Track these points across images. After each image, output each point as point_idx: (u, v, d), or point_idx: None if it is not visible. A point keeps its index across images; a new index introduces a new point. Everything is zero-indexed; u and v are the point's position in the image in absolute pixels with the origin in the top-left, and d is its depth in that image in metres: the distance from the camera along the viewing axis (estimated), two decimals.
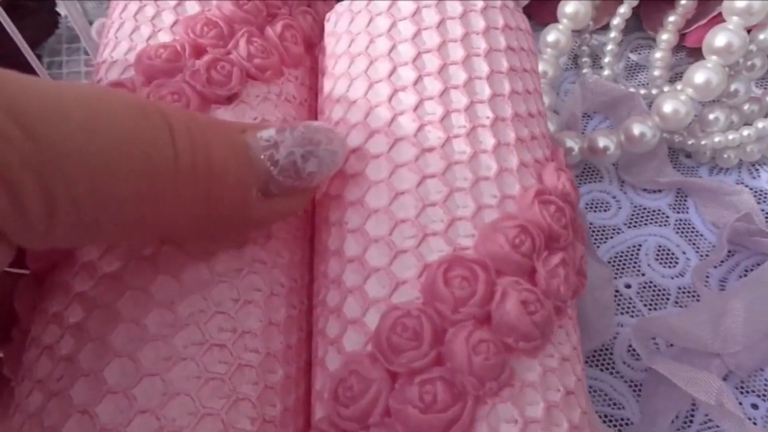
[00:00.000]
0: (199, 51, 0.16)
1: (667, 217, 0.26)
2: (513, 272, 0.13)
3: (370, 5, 0.17)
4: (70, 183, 0.10)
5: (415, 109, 0.15)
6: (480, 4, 0.16)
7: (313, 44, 0.19)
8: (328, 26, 0.18)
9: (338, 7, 0.18)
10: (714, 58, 0.23)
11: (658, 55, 0.29)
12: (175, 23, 0.16)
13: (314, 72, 0.19)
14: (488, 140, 0.14)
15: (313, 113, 0.18)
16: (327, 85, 0.17)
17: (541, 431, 0.12)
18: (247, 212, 0.13)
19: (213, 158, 0.12)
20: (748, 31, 0.23)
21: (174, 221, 0.12)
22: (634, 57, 0.31)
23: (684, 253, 0.25)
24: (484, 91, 0.15)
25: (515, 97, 0.15)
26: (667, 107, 0.24)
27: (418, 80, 0.15)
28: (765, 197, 0.26)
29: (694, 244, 0.26)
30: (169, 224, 0.12)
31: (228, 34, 0.16)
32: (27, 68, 0.28)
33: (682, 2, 0.28)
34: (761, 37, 0.23)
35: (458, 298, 0.12)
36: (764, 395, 0.22)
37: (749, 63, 0.24)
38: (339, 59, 0.17)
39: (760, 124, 0.25)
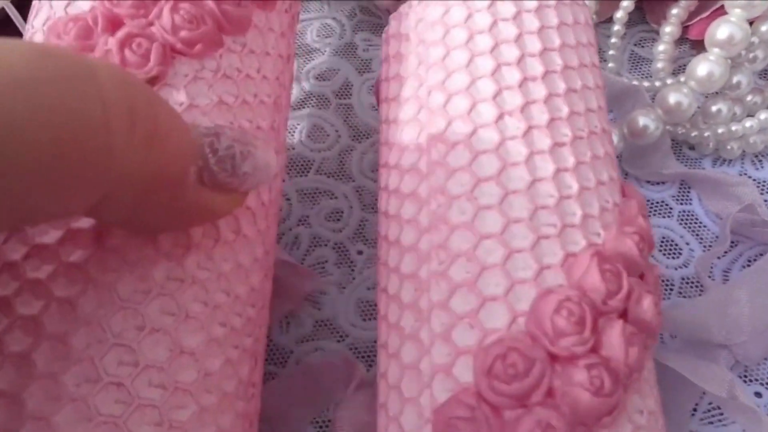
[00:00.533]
0: (114, 24, 0.14)
1: (671, 208, 0.27)
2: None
3: (446, 17, 0.17)
4: None
5: (497, 121, 0.15)
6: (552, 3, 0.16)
7: None
8: (391, 28, 0.18)
9: (403, 8, 0.18)
10: (716, 50, 0.23)
11: (661, 47, 0.29)
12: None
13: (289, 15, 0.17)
14: (567, 159, 0.15)
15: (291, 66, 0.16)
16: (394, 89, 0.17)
17: (656, 420, 0.14)
18: (182, 192, 0.13)
19: (159, 117, 0.11)
20: (750, 23, 0.24)
21: (110, 180, 0.11)
22: (637, 50, 0.31)
23: (687, 244, 0.26)
24: (563, 109, 0.15)
25: (590, 114, 0.16)
26: (670, 99, 0.25)
27: (498, 93, 0.15)
28: (766, 186, 0.27)
29: (697, 235, 0.26)
30: (103, 184, 0.11)
31: (151, 1, 0.14)
32: None
33: None
34: (763, 29, 0.24)
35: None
36: None
37: (751, 55, 0.24)
38: (408, 65, 0.17)
39: (762, 116, 0.25)
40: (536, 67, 0.16)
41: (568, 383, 0.12)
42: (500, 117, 0.15)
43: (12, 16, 0.25)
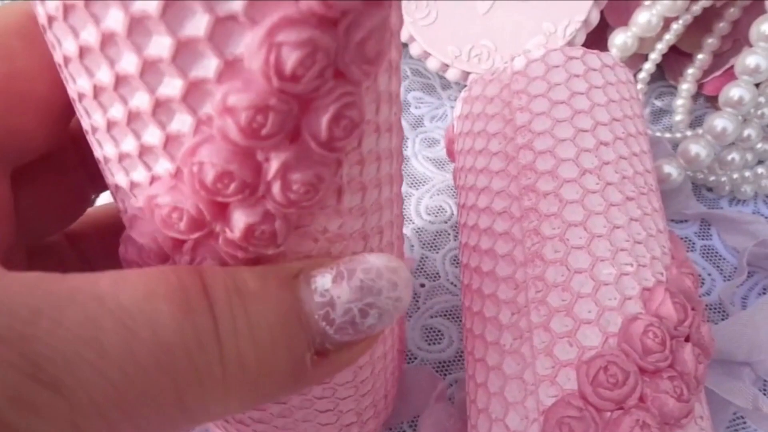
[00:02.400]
0: (221, 207, 0.12)
1: (694, 243, 0.31)
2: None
3: (529, 87, 0.21)
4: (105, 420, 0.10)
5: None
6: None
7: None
8: (472, 92, 0.22)
9: (486, 75, 0.22)
10: (729, 109, 0.28)
11: (679, 102, 0.34)
12: (167, 141, 0.11)
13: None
14: (635, 211, 0.19)
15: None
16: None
17: (709, 425, 0.18)
18: (299, 379, 0.12)
19: (257, 340, 0.11)
20: (757, 85, 0.28)
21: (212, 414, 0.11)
22: (658, 103, 0.36)
23: (709, 275, 0.30)
24: (628, 170, 0.20)
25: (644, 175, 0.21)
26: (691, 151, 0.29)
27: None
28: None
29: (718, 266, 0.30)
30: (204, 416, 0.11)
31: (253, 178, 0.11)
32: None
33: (699, 57, 0.33)
34: None
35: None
36: None
37: (759, 112, 0.29)
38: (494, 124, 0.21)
39: None
40: (607, 134, 0.20)
41: (657, 390, 0.16)
42: (582, 174, 0.19)
43: None
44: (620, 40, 0.32)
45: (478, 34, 0.33)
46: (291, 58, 0.10)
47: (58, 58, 0.12)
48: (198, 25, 0.10)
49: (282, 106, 0.10)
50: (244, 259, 0.12)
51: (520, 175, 0.20)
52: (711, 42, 0.33)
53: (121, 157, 0.12)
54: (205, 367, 0.11)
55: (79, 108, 0.12)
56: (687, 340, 0.18)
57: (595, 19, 0.33)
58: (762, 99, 0.29)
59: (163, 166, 0.11)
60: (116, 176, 0.12)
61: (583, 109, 0.20)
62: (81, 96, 0.12)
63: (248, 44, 0.10)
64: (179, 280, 0.11)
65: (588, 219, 0.18)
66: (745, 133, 0.30)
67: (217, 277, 0.11)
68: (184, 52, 0.10)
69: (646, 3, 0.32)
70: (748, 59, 0.28)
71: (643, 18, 0.31)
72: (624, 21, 0.33)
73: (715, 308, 0.29)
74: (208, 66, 0.10)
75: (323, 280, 0.12)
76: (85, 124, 0.12)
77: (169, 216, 0.12)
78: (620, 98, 0.21)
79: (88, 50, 0.11)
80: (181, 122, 0.11)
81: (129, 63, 0.10)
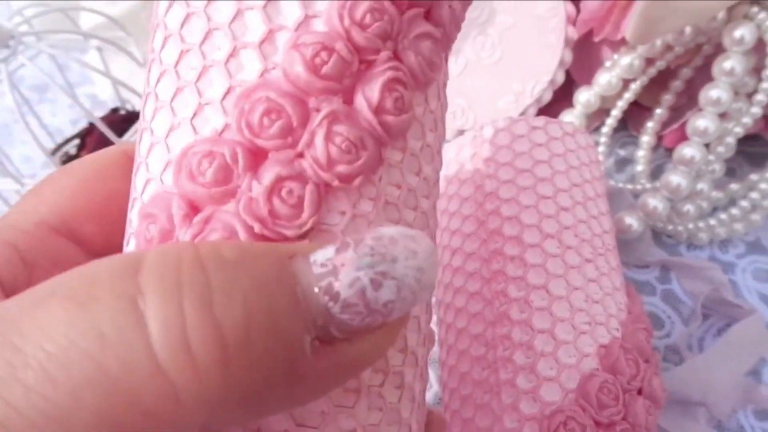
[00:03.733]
0: (257, 158, 0.12)
1: (655, 287, 0.34)
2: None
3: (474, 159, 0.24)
4: None
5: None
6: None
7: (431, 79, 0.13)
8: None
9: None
10: (682, 167, 0.31)
11: (640, 153, 0.37)
12: (227, 93, 0.12)
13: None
14: (593, 272, 0.22)
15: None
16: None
17: None
18: (294, 369, 0.10)
19: (223, 314, 0.09)
20: (707, 145, 0.31)
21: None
22: (622, 152, 0.39)
23: (669, 317, 0.33)
24: (587, 233, 0.23)
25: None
26: (650, 204, 0.32)
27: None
28: (732, 269, 0.34)
29: (677, 310, 0.33)
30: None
31: (299, 123, 0.11)
32: None
33: (658, 111, 0.36)
34: (719, 149, 0.31)
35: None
36: (738, 430, 0.29)
37: (710, 168, 0.32)
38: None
39: (722, 215, 0.33)
40: (567, 200, 0.23)
41: None
42: (544, 239, 0.22)
43: (103, 130, 0.31)
44: (584, 97, 0.35)
45: (452, 94, 0.35)
46: (363, 6, 0.12)
47: (155, 43, 0.13)
48: None
49: (345, 53, 0.12)
50: (259, 235, 0.11)
51: (489, 240, 0.22)
52: (667, 98, 0.36)
53: (172, 128, 0.12)
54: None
55: (146, 106, 0.13)
56: (639, 392, 0.21)
57: (561, 78, 0.35)
58: (712, 157, 0.31)
59: (212, 125, 0.12)
60: (154, 151, 0.13)
61: (546, 176, 0.23)
62: (161, 74, 0.13)
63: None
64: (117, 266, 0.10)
65: (549, 282, 0.21)
66: (698, 187, 0.32)
67: (168, 252, 0.10)
68: (273, 3, 0.12)
69: (607, 65, 0.35)
70: (698, 122, 0.31)
71: (604, 79, 0.34)
72: (588, 80, 0.36)
73: (674, 350, 0.31)
74: (290, 15, 0.12)
75: (324, 252, 0.10)
76: (147, 114, 0.13)
77: (199, 163, 0.12)
78: (580, 164, 0.24)
79: (190, 16, 0.12)
80: (249, 71, 0.12)
81: (223, 14, 0.12)
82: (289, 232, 0.11)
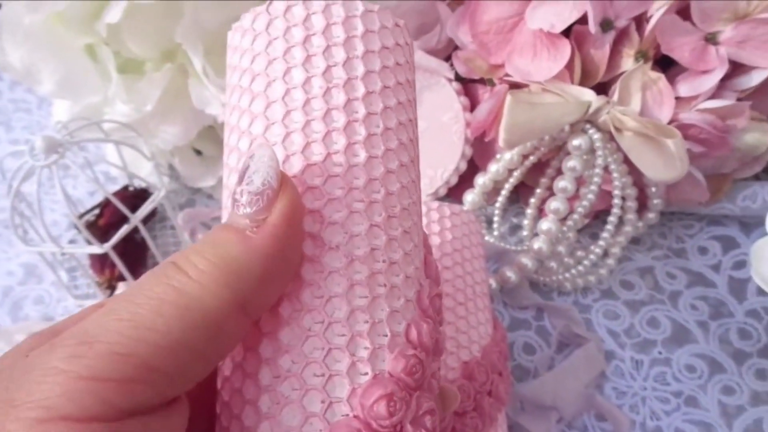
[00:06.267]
0: None
1: (531, 324, 0.46)
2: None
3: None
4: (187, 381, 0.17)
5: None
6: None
7: None
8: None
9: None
10: (542, 236, 0.44)
11: (525, 222, 0.49)
12: (351, 395, 0.18)
13: None
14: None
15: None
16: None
17: None
18: (267, 245, 0.18)
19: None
20: (563, 219, 0.44)
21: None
22: (515, 220, 0.52)
23: (540, 346, 0.45)
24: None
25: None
26: (522, 261, 0.44)
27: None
28: (589, 310, 0.46)
29: (546, 340, 0.45)
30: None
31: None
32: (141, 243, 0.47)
33: (537, 191, 0.49)
34: (569, 223, 0.44)
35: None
36: (582, 429, 0.41)
37: (566, 236, 0.45)
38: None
39: (580, 267, 0.45)
40: (450, 288, 0.35)
41: (463, 425, 0.30)
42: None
43: (119, 207, 0.43)
44: (481, 181, 0.48)
45: None
46: (382, 406, 0.18)
47: None
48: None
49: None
50: None
51: None
52: (544, 181, 0.49)
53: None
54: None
55: None
56: (489, 394, 0.32)
57: (463, 167, 0.48)
58: (565, 228, 0.44)
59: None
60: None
61: (447, 266, 0.35)
62: None
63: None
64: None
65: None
66: (558, 249, 0.45)
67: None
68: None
69: (498, 157, 0.48)
70: (552, 204, 0.43)
71: (494, 168, 0.47)
72: (486, 167, 0.48)
73: (538, 368, 0.44)
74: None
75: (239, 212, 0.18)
76: None
77: None
78: (470, 244, 0.36)
79: None
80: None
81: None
82: None
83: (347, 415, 0.18)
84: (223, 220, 0.20)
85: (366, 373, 0.18)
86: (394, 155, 0.21)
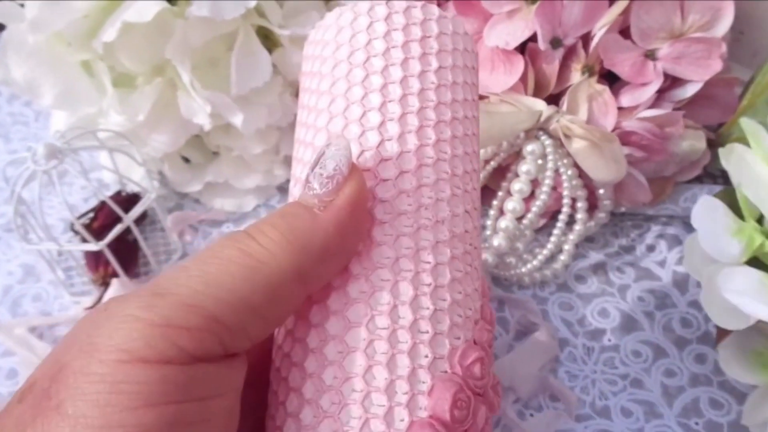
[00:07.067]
0: None
1: (493, 315, 0.50)
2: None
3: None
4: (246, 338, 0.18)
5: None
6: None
7: None
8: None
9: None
10: (501, 233, 0.48)
11: (488, 222, 0.54)
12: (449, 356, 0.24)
13: None
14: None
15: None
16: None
17: None
18: (329, 223, 0.20)
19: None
20: (520, 218, 0.48)
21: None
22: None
23: (501, 335, 0.49)
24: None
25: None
26: (485, 257, 0.49)
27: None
28: (546, 302, 0.51)
29: (506, 329, 0.49)
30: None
31: None
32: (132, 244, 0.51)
33: (499, 194, 0.53)
34: (525, 222, 0.48)
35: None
36: (537, 408, 0.45)
37: (526, 232, 0.49)
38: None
39: (536, 262, 0.50)
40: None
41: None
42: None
43: (114, 208, 0.47)
44: None
45: None
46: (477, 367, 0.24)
47: None
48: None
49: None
50: None
51: None
52: (504, 184, 0.53)
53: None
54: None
55: None
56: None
57: None
58: (521, 227, 0.49)
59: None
60: None
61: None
62: None
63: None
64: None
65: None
66: (516, 245, 0.49)
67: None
68: None
69: None
70: (509, 204, 0.48)
71: None
72: None
73: (497, 353, 0.48)
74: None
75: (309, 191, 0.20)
76: None
77: None
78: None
79: None
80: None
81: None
82: None
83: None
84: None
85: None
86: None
